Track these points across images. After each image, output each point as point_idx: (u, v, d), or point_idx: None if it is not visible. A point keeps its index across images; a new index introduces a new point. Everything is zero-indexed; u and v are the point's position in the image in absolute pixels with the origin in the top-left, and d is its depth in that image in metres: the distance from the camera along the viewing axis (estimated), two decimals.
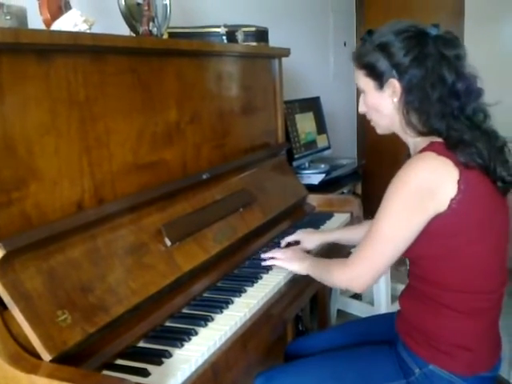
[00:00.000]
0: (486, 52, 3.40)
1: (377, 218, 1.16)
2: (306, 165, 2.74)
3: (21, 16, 1.18)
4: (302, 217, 2.03)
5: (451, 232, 1.11)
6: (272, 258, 1.52)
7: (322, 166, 2.78)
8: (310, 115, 2.85)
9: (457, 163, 1.09)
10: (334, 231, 1.72)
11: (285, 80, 2.16)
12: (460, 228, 1.11)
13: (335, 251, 1.73)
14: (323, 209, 2.13)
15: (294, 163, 2.58)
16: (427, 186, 1.08)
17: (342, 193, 2.75)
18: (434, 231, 1.10)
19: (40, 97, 1.09)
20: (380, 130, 1.30)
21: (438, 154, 1.10)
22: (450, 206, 1.08)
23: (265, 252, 1.57)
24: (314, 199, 2.17)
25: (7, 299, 0.96)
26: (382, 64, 1.18)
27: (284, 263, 1.47)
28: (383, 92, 1.20)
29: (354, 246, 1.88)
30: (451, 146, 1.11)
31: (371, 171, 3.42)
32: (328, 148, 2.98)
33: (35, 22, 1.29)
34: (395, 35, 1.16)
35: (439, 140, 1.14)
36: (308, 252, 1.60)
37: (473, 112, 1.15)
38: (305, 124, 2.77)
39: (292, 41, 2.55)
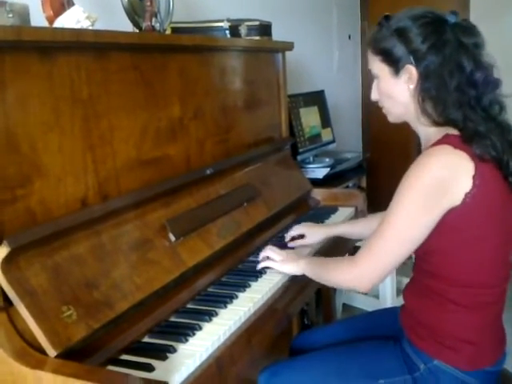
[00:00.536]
0: (491, 45, 3.38)
1: (388, 214, 1.12)
2: (311, 159, 2.74)
3: (23, 14, 1.18)
4: (306, 211, 2.03)
5: (462, 226, 1.10)
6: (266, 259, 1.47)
7: (327, 159, 2.77)
8: (314, 109, 2.84)
9: (472, 157, 1.07)
10: (338, 225, 1.71)
11: (289, 74, 2.15)
12: (471, 222, 1.10)
13: (340, 245, 1.74)
14: (328, 203, 2.13)
15: (299, 157, 2.58)
16: (442, 182, 1.06)
17: (347, 186, 2.74)
18: (446, 225, 1.09)
19: (43, 94, 1.10)
20: (392, 118, 1.27)
21: (455, 148, 1.07)
22: (464, 200, 1.07)
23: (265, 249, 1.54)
24: (318, 193, 2.17)
25: (12, 295, 0.97)
26: (399, 50, 1.15)
27: (277, 265, 1.43)
28: (399, 78, 1.18)
29: (358, 240, 1.89)
30: (467, 139, 1.09)
31: (376, 165, 3.41)
32: (333, 142, 2.98)
33: (38, 18, 1.29)
34: (412, 21, 1.14)
35: (454, 132, 1.12)
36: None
37: (489, 103, 1.13)
38: (309, 118, 2.77)
39: (296, 34, 2.54)
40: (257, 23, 1.96)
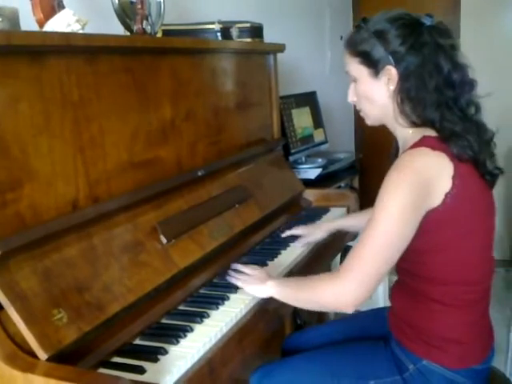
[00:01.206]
0: (482, 45, 3.40)
1: (373, 220, 1.09)
2: (303, 159, 2.74)
3: (13, 18, 1.18)
4: (298, 212, 2.03)
5: (443, 226, 1.11)
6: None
7: (319, 160, 2.78)
8: (306, 110, 2.85)
9: (451, 158, 1.09)
10: (336, 220, 1.76)
11: (281, 75, 2.16)
12: (452, 222, 1.11)
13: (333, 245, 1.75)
14: (320, 203, 2.14)
15: (291, 158, 2.59)
16: (425, 182, 1.07)
17: (340, 187, 2.75)
18: (427, 226, 1.10)
19: (33, 98, 1.10)
20: (370, 121, 1.28)
21: (433, 149, 1.09)
22: (444, 200, 1.08)
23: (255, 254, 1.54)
24: (310, 194, 2.18)
25: (3, 299, 0.97)
26: (379, 51, 1.16)
27: (243, 284, 1.32)
28: (378, 80, 1.18)
29: (349, 240, 1.90)
30: (444, 139, 1.11)
31: (368, 165, 3.42)
32: (325, 142, 2.99)
33: (28, 22, 1.29)
34: (391, 23, 1.16)
35: (430, 134, 1.14)
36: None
37: (466, 104, 1.15)
38: (301, 119, 2.77)
39: (288, 36, 2.55)
40: (248, 25, 1.96)
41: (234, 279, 1.35)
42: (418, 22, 1.15)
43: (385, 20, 1.17)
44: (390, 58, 1.15)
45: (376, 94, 1.20)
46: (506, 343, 2.43)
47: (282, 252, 1.64)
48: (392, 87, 1.16)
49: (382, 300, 2.68)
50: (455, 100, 1.14)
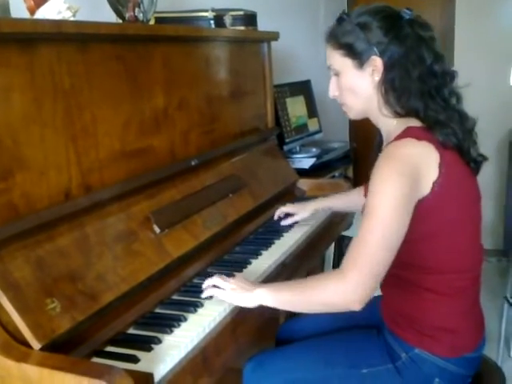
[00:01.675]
0: (477, 39, 3.40)
1: (369, 212, 1.07)
2: (297, 149, 2.74)
3: (3, 4, 1.16)
4: (292, 201, 2.03)
5: (431, 215, 1.12)
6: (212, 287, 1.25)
7: (314, 149, 2.77)
8: (300, 99, 2.84)
9: (437, 146, 1.11)
10: (325, 199, 1.77)
11: (275, 64, 2.15)
12: (440, 210, 1.12)
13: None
14: (314, 193, 2.14)
15: (285, 147, 2.58)
16: (412, 173, 1.08)
17: (334, 176, 2.75)
18: (417, 215, 1.11)
19: (24, 86, 1.09)
20: (352, 115, 1.28)
21: (418, 139, 1.11)
22: (432, 189, 1.09)
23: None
24: (304, 183, 2.17)
25: None
26: (363, 42, 1.17)
27: (225, 295, 1.20)
28: (363, 71, 1.19)
29: (344, 229, 1.91)
30: (428, 127, 1.13)
31: (363, 154, 3.42)
32: (319, 132, 2.98)
33: (19, 9, 1.28)
34: (373, 15, 1.18)
35: (414, 124, 1.15)
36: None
37: (448, 94, 1.17)
38: (295, 108, 2.76)
39: (282, 24, 2.52)
40: (241, 13, 1.95)
41: (215, 290, 1.21)
42: (398, 15, 1.17)
43: (366, 13, 1.19)
44: (375, 48, 1.16)
45: (360, 86, 1.21)
46: (498, 332, 2.45)
47: (276, 241, 1.64)
48: (377, 78, 1.17)
49: (377, 291, 2.69)
50: (438, 89, 1.16)
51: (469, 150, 1.16)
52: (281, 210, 1.75)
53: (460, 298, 1.19)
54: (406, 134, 1.13)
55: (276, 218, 1.75)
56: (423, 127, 1.15)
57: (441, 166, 1.10)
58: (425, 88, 1.15)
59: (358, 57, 1.18)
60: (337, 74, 1.25)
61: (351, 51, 1.19)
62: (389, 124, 1.21)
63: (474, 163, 1.19)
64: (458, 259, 1.18)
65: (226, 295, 1.19)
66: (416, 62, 1.14)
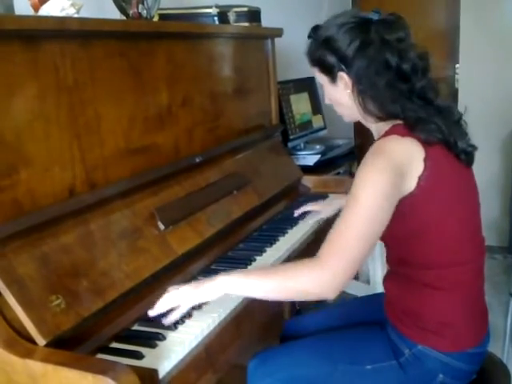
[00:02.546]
0: (482, 36, 3.37)
1: (350, 204, 1.08)
2: (302, 146, 2.73)
3: (7, 2, 1.16)
4: (296, 198, 2.03)
5: (421, 209, 1.12)
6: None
7: (318, 146, 2.76)
8: (304, 95, 2.83)
9: (421, 142, 1.11)
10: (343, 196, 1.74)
11: (279, 60, 2.14)
12: (429, 205, 1.13)
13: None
14: (318, 190, 2.14)
15: (290, 144, 2.57)
16: (399, 166, 1.08)
17: (338, 173, 2.74)
18: (405, 211, 1.11)
19: (28, 83, 1.09)
20: (346, 119, 1.32)
21: (402, 136, 1.11)
22: (418, 183, 1.10)
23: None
24: (308, 180, 2.17)
25: (0, 285, 0.97)
26: (330, 59, 1.20)
27: (186, 301, 1.10)
28: (337, 86, 1.23)
29: None
30: (410, 127, 1.13)
31: (367, 151, 3.42)
32: (324, 128, 2.97)
33: (23, 6, 1.28)
34: (338, 28, 1.19)
35: (400, 122, 1.16)
36: None
37: (423, 90, 1.17)
38: (300, 104, 2.76)
39: (286, 20, 2.52)
40: (245, 9, 1.94)
41: (175, 315, 1.10)
42: (366, 21, 1.17)
43: (333, 26, 1.20)
44: (341, 64, 1.18)
45: (340, 98, 1.25)
46: (504, 329, 2.44)
47: (280, 238, 1.64)
48: (348, 91, 1.20)
49: (379, 285, 2.69)
50: (411, 90, 1.16)
51: (456, 144, 1.15)
52: (304, 209, 1.77)
53: (460, 291, 1.19)
54: (391, 131, 1.14)
55: (297, 214, 1.77)
56: (407, 125, 1.15)
57: (426, 159, 1.10)
58: (396, 92, 1.15)
59: (329, 72, 1.22)
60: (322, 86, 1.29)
61: (323, 67, 1.23)
62: (376, 127, 1.23)
63: (464, 154, 1.17)
64: (455, 253, 1.17)
65: (188, 300, 1.10)
66: (381, 71, 1.15)
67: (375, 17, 1.17)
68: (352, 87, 1.19)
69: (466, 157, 1.18)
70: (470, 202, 1.21)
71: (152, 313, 1.10)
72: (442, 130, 1.13)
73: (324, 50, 1.21)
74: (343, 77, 1.19)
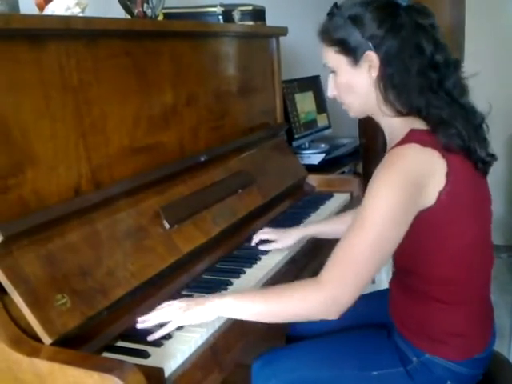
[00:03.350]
0: (488, 34, 3.36)
1: (360, 222, 1.01)
2: (306, 145, 2.73)
3: (12, 1, 1.17)
4: (301, 197, 2.03)
5: (439, 224, 1.06)
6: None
7: (323, 145, 2.76)
8: (309, 94, 2.83)
9: (443, 153, 1.04)
10: (310, 226, 1.61)
11: (283, 59, 2.14)
12: (448, 219, 1.06)
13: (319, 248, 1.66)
14: (323, 189, 2.14)
15: (294, 143, 2.57)
16: (414, 184, 1.01)
17: (343, 172, 2.74)
18: (421, 225, 1.05)
19: (34, 82, 1.09)
20: (353, 113, 1.21)
21: (423, 146, 1.03)
22: (438, 198, 1.03)
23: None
24: (313, 179, 2.17)
25: (6, 284, 0.97)
26: (356, 37, 1.09)
27: (177, 321, 1.08)
28: (359, 67, 1.11)
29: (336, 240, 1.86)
30: (432, 128, 1.06)
31: (372, 150, 3.40)
32: (328, 127, 2.97)
33: (28, 5, 1.28)
34: (365, 6, 1.08)
35: (418, 126, 1.08)
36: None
37: (452, 85, 1.09)
38: (304, 103, 2.75)
39: (290, 19, 2.51)
40: (250, 8, 1.94)
41: (164, 330, 1.08)
42: (394, 4, 1.09)
43: (358, 4, 1.09)
44: (369, 43, 1.08)
45: (357, 84, 1.13)
46: (509, 328, 2.43)
47: None
48: (374, 74, 1.09)
49: (385, 283, 2.68)
50: (440, 82, 1.08)
51: (475, 150, 1.08)
52: (258, 237, 1.56)
53: (468, 306, 1.15)
54: (410, 138, 1.05)
55: (253, 244, 1.55)
56: (427, 130, 1.07)
57: (448, 174, 1.02)
58: (426, 82, 1.06)
59: (353, 53, 1.10)
60: (333, 72, 1.17)
61: (345, 47, 1.11)
62: (391, 124, 1.14)
63: (481, 163, 1.10)
64: (467, 270, 1.12)
65: (177, 320, 1.08)
66: (415, 54, 1.05)
67: (404, 2, 1.08)
68: (378, 70, 1.08)
69: (483, 166, 1.11)
70: (486, 214, 1.14)
71: (140, 325, 1.09)
72: (462, 135, 1.05)
73: (350, 27, 1.09)
74: (371, 57, 1.08)
